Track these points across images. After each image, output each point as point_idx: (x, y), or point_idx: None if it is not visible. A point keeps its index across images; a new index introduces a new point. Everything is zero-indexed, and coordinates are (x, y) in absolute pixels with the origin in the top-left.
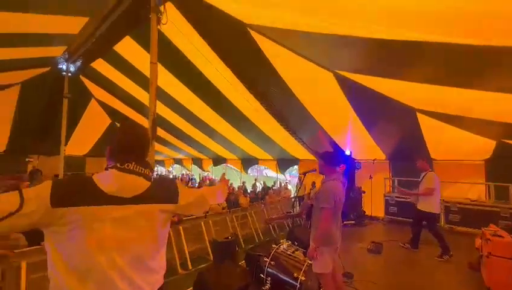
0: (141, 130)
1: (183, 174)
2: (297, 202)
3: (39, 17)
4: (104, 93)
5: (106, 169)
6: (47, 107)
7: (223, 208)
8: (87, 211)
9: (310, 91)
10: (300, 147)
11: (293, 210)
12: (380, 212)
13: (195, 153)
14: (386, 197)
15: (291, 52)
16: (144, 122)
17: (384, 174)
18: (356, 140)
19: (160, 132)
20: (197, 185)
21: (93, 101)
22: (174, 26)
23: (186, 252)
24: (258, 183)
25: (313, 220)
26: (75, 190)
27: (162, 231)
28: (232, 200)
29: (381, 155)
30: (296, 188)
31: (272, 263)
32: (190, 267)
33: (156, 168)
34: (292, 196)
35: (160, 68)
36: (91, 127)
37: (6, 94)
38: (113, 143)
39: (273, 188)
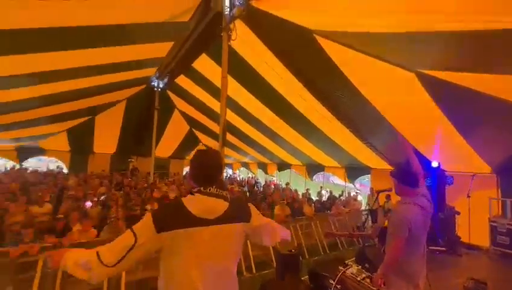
0: (217, 156)
1: (249, 178)
2: (370, 217)
3: (139, 47)
4: (184, 104)
5: (191, 193)
6: (143, 117)
7: (287, 216)
8: (182, 233)
9: (385, 94)
10: (373, 155)
11: (363, 226)
12: (482, 241)
13: (261, 158)
14: (493, 223)
15: (360, 53)
16: (217, 128)
17: (490, 193)
18: (447, 149)
19: (229, 137)
20: (261, 188)
21: (176, 111)
22: (243, 40)
23: (251, 255)
24: (323, 191)
25: (386, 244)
26: (170, 215)
27: (239, 246)
28: (296, 208)
29: (483, 167)
30: (368, 200)
31: (338, 286)
32: (254, 271)
33: (225, 171)
34: (363, 208)
35: (231, 79)
36: (174, 133)
37: (116, 108)
38: (195, 169)
39: (341, 198)
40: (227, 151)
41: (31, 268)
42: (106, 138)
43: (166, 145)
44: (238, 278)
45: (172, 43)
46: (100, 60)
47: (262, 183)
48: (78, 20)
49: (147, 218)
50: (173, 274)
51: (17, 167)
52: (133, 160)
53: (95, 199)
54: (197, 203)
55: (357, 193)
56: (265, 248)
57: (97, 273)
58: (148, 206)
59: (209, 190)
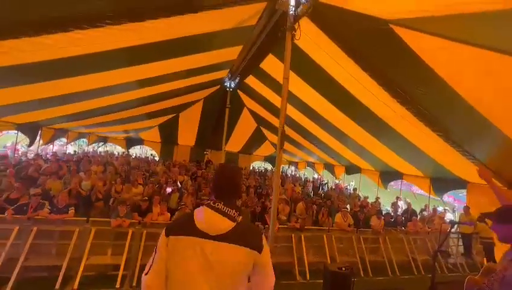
0: (233, 173)
1: (314, 178)
2: (460, 242)
3: (214, 52)
4: (253, 102)
5: (202, 204)
6: (217, 115)
7: (349, 225)
8: (184, 240)
9: (489, 89)
10: (471, 166)
11: (449, 252)
12: None
13: (328, 159)
14: None
15: (452, 41)
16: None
17: None
18: None
19: (295, 136)
20: (326, 189)
21: (245, 109)
22: (309, 38)
23: (306, 261)
24: (400, 203)
25: None
26: (179, 224)
27: (239, 273)
28: (362, 219)
29: None
30: (460, 218)
31: None
32: (308, 277)
33: (288, 168)
34: (453, 230)
35: (297, 78)
36: (242, 130)
37: (195, 107)
38: (212, 181)
39: (423, 213)
40: (292, 148)
41: (123, 237)
42: (187, 132)
43: (235, 141)
44: (289, 281)
45: (242, 46)
46: (183, 67)
47: (329, 185)
48: (167, 34)
49: (163, 230)
50: (175, 276)
51: (125, 153)
52: (207, 153)
53: (175, 185)
54: (201, 216)
55: (445, 210)
56: (323, 255)
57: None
58: (209, 188)
59: (217, 205)
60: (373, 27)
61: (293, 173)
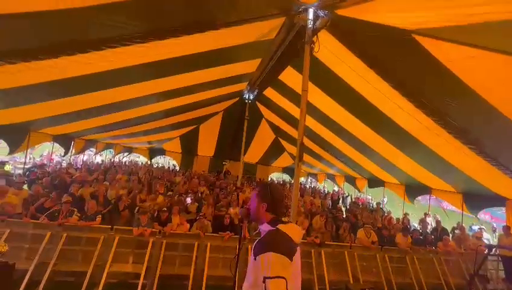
0: (283, 191)
1: (334, 191)
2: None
3: (234, 65)
4: (271, 114)
5: (271, 222)
6: (236, 126)
7: (373, 243)
8: (296, 255)
9: None
10: (509, 181)
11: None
12: None
13: (349, 171)
14: None
15: (483, 50)
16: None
17: None
18: None
19: (314, 147)
20: (348, 202)
21: (263, 120)
22: (329, 50)
23: (326, 279)
24: (429, 219)
25: None
26: (287, 244)
27: None
28: (386, 235)
29: None
30: (499, 240)
31: None
32: None
33: (307, 180)
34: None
35: (316, 89)
36: (261, 141)
37: (215, 119)
38: (271, 201)
39: (455, 231)
40: (311, 160)
41: (144, 246)
42: (207, 143)
43: (254, 152)
44: None
45: (261, 59)
46: (203, 80)
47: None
48: (189, 50)
49: (277, 257)
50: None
51: (148, 163)
52: (226, 163)
53: (194, 196)
54: (292, 231)
55: (481, 229)
56: (344, 273)
57: None
58: (231, 210)
59: (288, 220)
60: (395, 38)
61: (312, 185)
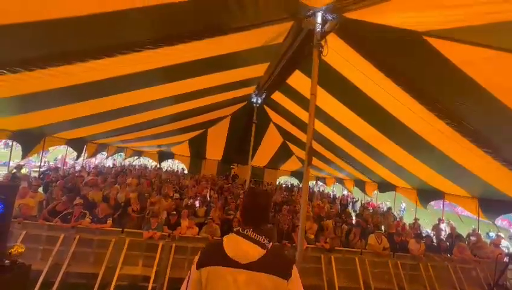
0: (263, 198)
1: (343, 195)
2: None
3: (242, 70)
4: (279, 117)
5: (234, 230)
6: (243, 130)
7: (384, 249)
8: (215, 270)
9: None
10: None
11: (507, 286)
12: None
13: (358, 175)
14: None
15: (500, 51)
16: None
17: None
18: None
19: (323, 151)
20: (358, 209)
21: (271, 124)
22: (337, 54)
23: (336, 285)
24: (442, 225)
25: None
26: (209, 254)
27: None
28: (398, 241)
29: None
30: None
31: None
32: None
33: (317, 184)
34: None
35: (324, 93)
36: (269, 145)
37: (223, 123)
38: (241, 206)
39: (471, 237)
40: (319, 164)
41: (154, 249)
42: (215, 147)
43: (262, 156)
44: None
45: (268, 63)
46: (212, 84)
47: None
48: (198, 55)
49: (196, 258)
50: None
51: (157, 166)
52: (234, 167)
53: (203, 199)
54: (231, 244)
55: (498, 236)
56: (355, 280)
57: None
58: (238, 214)
59: (246, 231)
60: (405, 40)
61: (320, 189)
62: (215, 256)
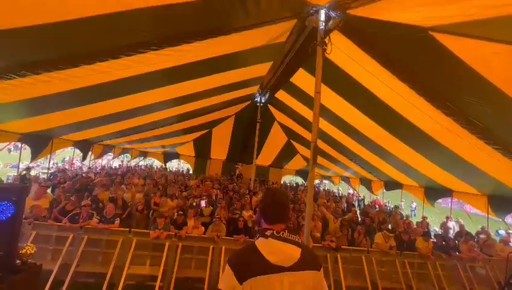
0: (286, 195)
1: (349, 194)
2: None
3: (245, 69)
4: (283, 116)
5: (261, 232)
6: (248, 129)
7: (391, 248)
8: (261, 280)
9: None
10: None
11: None
12: None
13: (364, 173)
14: None
15: (508, 45)
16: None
17: None
18: None
19: (329, 149)
20: (362, 205)
21: (275, 123)
22: (342, 51)
23: (343, 285)
24: (450, 223)
25: None
26: (248, 263)
27: None
28: (405, 240)
29: None
30: None
31: None
32: None
33: (322, 183)
34: None
35: (328, 91)
36: (273, 144)
37: (227, 122)
38: (268, 207)
39: (480, 235)
40: (325, 162)
41: (161, 249)
42: (220, 147)
43: (266, 155)
44: None
45: (272, 62)
46: (215, 84)
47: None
48: (201, 55)
49: (229, 273)
50: None
51: (162, 166)
52: (238, 166)
53: (208, 199)
54: (272, 250)
55: (509, 233)
56: (362, 279)
57: None
58: (245, 213)
59: (282, 234)
60: (411, 36)
61: (326, 188)
62: (256, 265)
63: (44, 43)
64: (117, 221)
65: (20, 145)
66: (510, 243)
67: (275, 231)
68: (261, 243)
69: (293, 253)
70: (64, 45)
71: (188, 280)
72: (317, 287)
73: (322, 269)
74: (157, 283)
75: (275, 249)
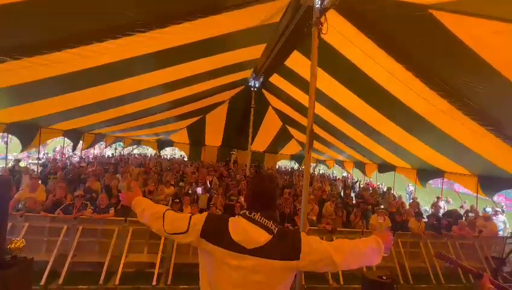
0: (271, 183)
1: (343, 177)
2: None
3: (238, 52)
4: (278, 101)
5: (240, 214)
6: (242, 115)
7: (387, 228)
8: (216, 250)
9: None
10: None
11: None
12: None
13: (358, 156)
14: None
15: (510, 24)
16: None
17: None
18: None
19: (323, 134)
20: (357, 188)
21: (270, 108)
22: (337, 32)
23: None
24: (441, 203)
25: None
26: (215, 229)
27: (282, 287)
28: (399, 221)
29: None
30: None
31: None
32: (342, 281)
33: (317, 167)
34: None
35: (323, 73)
36: (268, 129)
37: (221, 108)
38: (248, 192)
39: (469, 214)
40: (319, 146)
41: (158, 237)
42: (214, 133)
43: (261, 140)
44: (323, 285)
45: (266, 44)
46: (208, 68)
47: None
48: (192, 37)
49: (201, 219)
50: (210, 279)
51: (157, 154)
52: (234, 152)
53: (204, 186)
54: (237, 227)
55: (496, 211)
56: None
57: (156, 230)
58: (241, 198)
59: (254, 215)
60: (409, 14)
61: (321, 172)
62: (220, 235)
63: (22, 25)
64: (111, 210)
65: (7, 136)
66: (492, 220)
67: (247, 212)
68: (231, 220)
69: (258, 237)
70: (43, 27)
71: (186, 265)
72: (285, 277)
73: (303, 252)
74: (156, 270)
75: (240, 227)
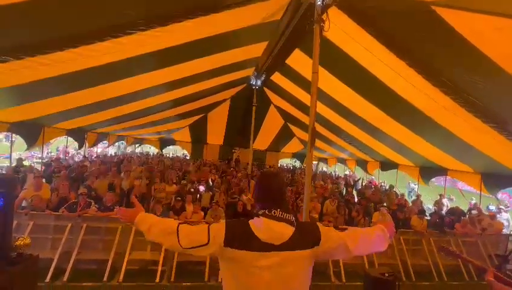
0: (280, 178)
1: (346, 175)
2: None
3: (239, 50)
4: (280, 99)
5: (256, 213)
6: (244, 113)
7: None
8: (245, 255)
9: None
10: None
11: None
12: None
13: (360, 154)
14: None
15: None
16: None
17: None
18: None
19: (325, 132)
20: (359, 186)
21: (272, 106)
22: (339, 29)
23: (341, 262)
24: (444, 200)
25: None
26: (240, 235)
27: (307, 275)
28: (401, 218)
29: None
30: None
31: None
32: (344, 279)
33: (319, 165)
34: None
35: (324, 72)
36: (270, 127)
37: (223, 106)
38: (260, 191)
39: (472, 212)
40: (321, 145)
41: None
42: (216, 132)
43: (263, 139)
44: (325, 282)
45: (267, 42)
46: (209, 66)
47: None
48: (193, 35)
49: (222, 227)
50: (236, 285)
51: (159, 153)
52: (235, 151)
53: (206, 184)
54: (261, 227)
55: (500, 209)
56: (358, 257)
57: (169, 246)
58: (244, 196)
59: (274, 212)
60: (412, 11)
61: (322, 170)
62: (246, 240)
63: (24, 25)
64: (116, 209)
65: (11, 135)
66: (497, 218)
67: (266, 210)
68: (253, 222)
69: (284, 231)
70: (45, 27)
71: (189, 263)
72: (310, 264)
73: (322, 241)
74: (159, 267)
75: (266, 226)
